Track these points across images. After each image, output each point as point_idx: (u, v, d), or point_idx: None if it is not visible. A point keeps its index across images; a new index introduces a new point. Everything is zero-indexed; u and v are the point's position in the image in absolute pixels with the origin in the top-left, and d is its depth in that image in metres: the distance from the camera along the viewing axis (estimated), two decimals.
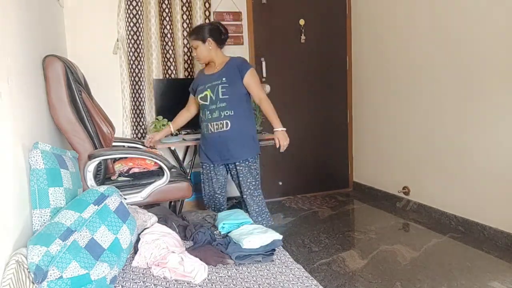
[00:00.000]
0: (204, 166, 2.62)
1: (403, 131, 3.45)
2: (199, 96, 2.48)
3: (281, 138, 2.43)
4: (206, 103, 2.45)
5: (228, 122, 2.41)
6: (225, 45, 2.59)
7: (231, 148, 2.44)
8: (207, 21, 3.40)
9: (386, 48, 3.55)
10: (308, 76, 3.91)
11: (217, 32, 2.46)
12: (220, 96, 2.40)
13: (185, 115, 2.72)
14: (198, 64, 3.43)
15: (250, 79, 2.45)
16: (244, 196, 2.54)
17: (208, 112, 2.45)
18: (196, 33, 2.46)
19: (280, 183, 3.91)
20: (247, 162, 2.49)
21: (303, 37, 3.81)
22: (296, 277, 1.47)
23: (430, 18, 3.06)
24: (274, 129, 2.46)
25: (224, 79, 2.43)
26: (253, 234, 1.69)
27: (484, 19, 2.64)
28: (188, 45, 3.37)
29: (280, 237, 1.73)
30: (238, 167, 2.49)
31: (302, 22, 3.80)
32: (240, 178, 2.51)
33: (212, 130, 2.44)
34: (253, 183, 2.54)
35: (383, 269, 2.37)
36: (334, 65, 3.99)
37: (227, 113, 2.41)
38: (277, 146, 2.45)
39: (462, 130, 2.87)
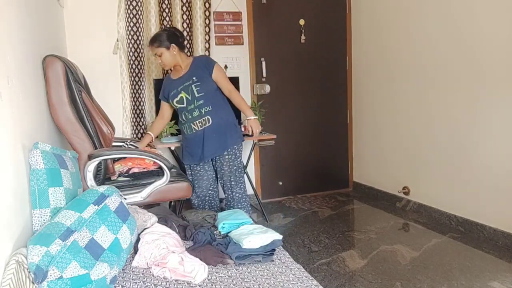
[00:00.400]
0: (191, 168, 2.70)
1: (403, 131, 3.45)
2: (175, 100, 2.57)
3: (254, 125, 2.64)
4: (183, 105, 2.55)
5: (209, 117, 2.53)
6: (225, 45, 2.63)
7: (215, 142, 2.55)
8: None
9: (386, 48, 3.55)
10: (308, 76, 3.90)
11: (176, 37, 2.57)
12: (196, 95, 2.51)
13: (160, 123, 2.81)
14: None
15: (218, 74, 2.58)
16: (233, 183, 2.65)
17: (188, 113, 2.55)
18: (158, 40, 2.52)
19: (280, 183, 3.91)
20: (234, 150, 2.61)
21: (303, 37, 3.81)
22: (296, 277, 1.47)
23: (430, 18, 3.06)
24: (247, 118, 2.66)
25: (194, 78, 2.53)
26: (253, 234, 1.69)
27: (485, 19, 2.64)
28: (188, 45, 3.37)
29: (280, 237, 1.73)
30: (226, 156, 2.60)
31: (302, 22, 3.80)
32: (228, 166, 2.62)
33: (197, 128, 2.55)
34: (240, 167, 2.67)
35: (383, 269, 2.37)
36: (334, 65, 3.99)
37: (206, 109, 2.53)
38: (250, 133, 2.68)
39: (462, 130, 2.87)
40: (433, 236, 2.83)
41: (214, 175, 2.72)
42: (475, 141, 2.78)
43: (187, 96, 2.53)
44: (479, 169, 2.77)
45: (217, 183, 2.78)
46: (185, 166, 2.74)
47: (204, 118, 2.53)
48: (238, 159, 2.66)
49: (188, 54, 3.39)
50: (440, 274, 2.28)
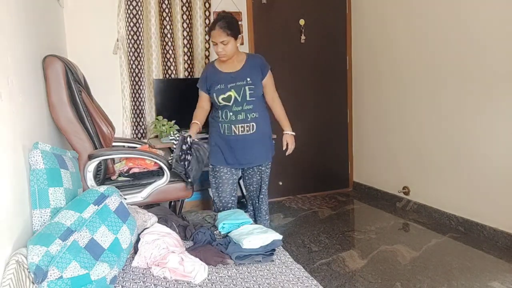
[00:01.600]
0: (216, 169, 2.42)
1: (403, 131, 3.45)
2: (221, 97, 2.30)
3: (290, 141, 2.44)
4: (229, 104, 2.30)
5: (254, 124, 2.33)
6: None
7: (255, 151, 2.38)
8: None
9: (386, 48, 3.55)
10: (308, 76, 3.90)
11: (238, 26, 2.35)
12: (248, 98, 2.30)
13: (202, 112, 2.46)
14: (199, 64, 3.43)
15: (269, 79, 2.42)
16: (261, 197, 2.51)
17: (232, 114, 2.32)
18: (230, 28, 2.24)
19: (280, 183, 3.91)
20: (268, 165, 2.48)
21: (303, 37, 3.81)
22: (296, 277, 1.47)
23: (430, 18, 3.06)
24: (285, 132, 2.46)
25: (249, 79, 2.31)
26: (253, 234, 1.69)
27: (484, 19, 2.64)
28: (188, 45, 3.37)
29: (280, 237, 1.73)
30: (262, 168, 2.45)
31: (302, 22, 3.80)
32: (261, 178, 2.47)
33: (237, 132, 2.33)
34: (267, 183, 2.53)
35: (383, 269, 2.37)
36: (334, 65, 3.99)
37: (253, 115, 2.33)
38: (284, 148, 2.45)
39: (462, 130, 2.87)
40: (433, 236, 2.83)
41: (236, 180, 2.50)
42: (475, 141, 2.78)
43: (237, 96, 2.28)
44: (479, 169, 2.77)
45: (236, 192, 2.55)
46: (210, 166, 2.47)
47: (249, 124, 2.32)
48: (269, 173, 2.52)
49: (188, 54, 3.39)
50: (440, 274, 2.28)
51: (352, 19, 3.96)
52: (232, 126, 2.33)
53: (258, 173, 2.47)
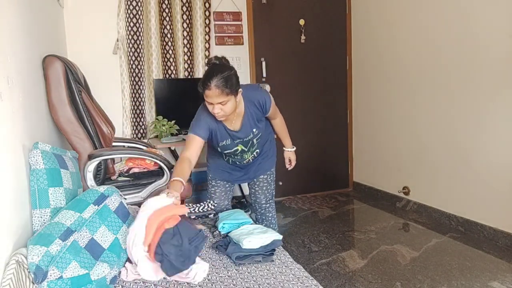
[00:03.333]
0: (217, 182, 2.29)
1: (403, 131, 3.45)
2: (226, 151, 2.09)
3: (293, 158, 2.38)
4: (236, 153, 2.13)
5: (258, 151, 2.19)
6: (225, 45, 2.48)
7: (260, 167, 2.28)
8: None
9: (386, 48, 3.55)
10: (308, 76, 3.90)
11: (237, 77, 1.90)
12: (255, 144, 2.12)
13: (188, 167, 1.87)
14: (199, 64, 3.43)
15: (272, 109, 2.10)
16: (267, 205, 2.37)
17: (234, 156, 2.16)
18: (230, 85, 1.79)
19: (280, 183, 3.91)
20: (269, 173, 2.33)
21: (303, 37, 3.81)
22: (296, 277, 1.47)
23: (430, 18, 3.06)
24: (286, 149, 2.36)
25: (255, 130, 2.04)
26: (253, 234, 1.69)
27: (483, 19, 2.64)
28: (188, 45, 3.37)
29: (280, 237, 1.72)
30: (263, 177, 2.30)
31: (302, 22, 3.80)
32: (264, 188, 2.33)
33: (240, 164, 2.22)
34: (272, 192, 2.39)
35: (383, 269, 2.37)
36: (334, 65, 3.99)
37: (257, 151, 2.19)
38: (287, 165, 2.38)
39: (462, 130, 2.87)
40: (433, 236, 2.83)
41: (232, 188, 2.38)
42: (475, 141, 2.78)
43: (244, 148, 2.09)
44: (479, 169, 2.77)
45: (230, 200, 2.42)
46: (209, 176, 2.32)
47: (254, 154, 2.18)
48: (273, 179, 2.37)
49: (188, 54, 3.39)
50: (440, 274, 2.28)
51: (352, 19, 3.96)
52: (236, 161, 2.20)
53: (261, 182, 2.32)
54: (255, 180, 2.32)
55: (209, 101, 1.82)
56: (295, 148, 2.40)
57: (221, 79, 1.77)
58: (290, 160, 2.38)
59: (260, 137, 2.12)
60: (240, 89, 1.88)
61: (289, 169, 2.39)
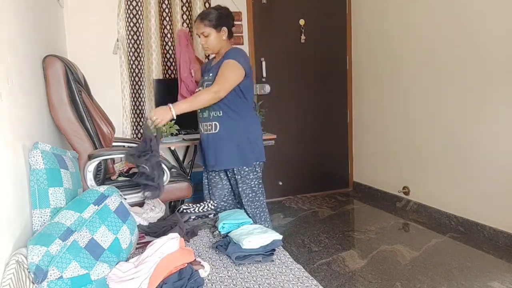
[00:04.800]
0: (206, 171, 2.34)
1: (403, 131, 3.45)
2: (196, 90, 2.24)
3: (157, 114, 2.02)
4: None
5: (217, 123, 2.12)
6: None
7: (218, 154, 2.15)
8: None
9: (386, 48, 3.55)
10: (308, 76, 3.91)
11: (231, 20, 2.18)
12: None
13: None
14: None
15: (222, 68, 2.06)
16: (245, 207, 2.25)
17: (199, 111, 2.20)
18: (210, 18, 2.10)
19: (280, 183, 3.91)
20: (242, 172, 2.18)
21: (303, 37, 3.81)
22: (296, 277, 1.47)
23: (430, 17, 3.06)
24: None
25: (211, 74, 2.13)
26: (253, 234, 1.69)
27: (482, 17, 2.64)
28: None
29: (280, 237, 1.72)
30: (236, 176, 2.19)
31: (302, 22, 3.80)
32: (239, 187, 2.20)
33: (202, 131, 2.22)
34: (251, 194, 2.22)
35: (383, 269, 2.37)
36: (334, 65, 4.00)
37: (215, 113, 2.12)
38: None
39: (462, 130, 2.87)
40: (433, 236, 2.83)
41: (227, 190, 2.31)
42: (476, 141, 2.78)
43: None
44: (479, 169, 2.77)
45: (232, 197, 2.35)
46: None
47: (211, 123, 2.14)
48: (251, 183, 2.20)
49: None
50: (440, 274, 2.28)
51: (352, 19, 3.96)
52: (201, 124, 2.21)
53: (233, 178, 2.21)
54: (233, 177, 2.21)
55: (196, 32, 2.20)
56: (170, 108, 1.98)
57: (204, 13, 2.15)
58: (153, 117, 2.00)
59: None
60: (225, 28, 2.13)
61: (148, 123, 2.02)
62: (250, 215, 2.23)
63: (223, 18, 2.14)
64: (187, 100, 2.06)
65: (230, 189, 2.32)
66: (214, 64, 2.20)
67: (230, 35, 2.20)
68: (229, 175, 2.25)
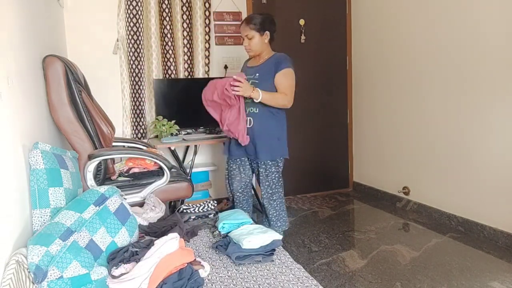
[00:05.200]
0: (228, 163, 2.62)
1: (403, 131, 3.45)
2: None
3: (243, 88, 2.24)
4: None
5: (251, 119, 2.40)
6: (226, 45, 2.56)
7: (254, 146, 2.42)
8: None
9: (386, 48, 3.55)
10: (308, 76, 3.90)
11: (273, 26, 2.42)
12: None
13: None
14: (199, 65, 3.43)
15: (282, 78, 2.37)
16: (262, 200, 2.54)
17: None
18: (255, 22, 2.36)
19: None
20: (265, 166, 2.46)
21: (303, 37, 3.81)
22: (296, 277, 1.47)
23: (430, 18, 3.06)
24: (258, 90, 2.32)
25: (257, 74, 2.40)
26: (253, 234, 1.69)
27: (483, 19, 2.64)
28: (188, 45, 3.37)
29: (280, 237, 1.73)
30: (259, 168, 2.47)
31: (302, 22, 3.80)
32: (262, 178, 2.49)
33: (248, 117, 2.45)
34: (272, 187, 2.49)
35: (383, 269, 2.37)
36: (334, 65, 3.99)
37: (251, 110, 2.40)
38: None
39: (462, 130, 2.87)
40: (433, 236, 2.83)
41: (248, 180, 2.61)
42: (475, 141, 2.78)
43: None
44: (479, 169, 2.77)
45: (251, 188, 2.67)
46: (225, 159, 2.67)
47: (248, 118, 2.41)
48: (271, 176, 2.48)
49: (188, 54, 3.39)
50: (440, 274, 2.28)
51: (352, 19, 3.96)
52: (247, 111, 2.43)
53: (257, 170, 2.50)
54: (259, 164, 2.46)
55: (241, 34, 2.42)
56: (259, 93, 2.29)
57: (249, 17, 2.40)
58: (236, 82, 2.23)
59: (255, 86, 2.32)
60: (268, 32, 2.37)
61: (229, 85, 2.24)
62: (268, 207, 2.50)
63: (266, 23, 2.38)
64: (269, 93, 2.33)
65: (247, 182, 2.60)
66: (260, 65, 2.44)
67: (272, 39, 2.45)
68: (253, 165, 2.54)
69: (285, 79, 2.38)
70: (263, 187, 2.50)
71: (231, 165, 2.60)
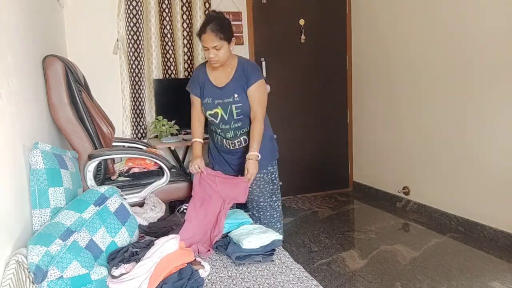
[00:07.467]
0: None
1: (403, 131, 3.45)
2: (208, 113, 2.15)
3: (251, 168, 2.08)
4: (216, 121, 2.15)
5: (246, 137, 2.19)
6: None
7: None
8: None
9: (386, 48, 3.55)
10: (308, 76, 3.90)
11: (231, 27, 2.07)
12: (235, 117, 2.11)
13: (200, 126, 2.26)
14: (199, 64, 3.43)
15: (255, 92, 2.09)
16: (264, 204, 2.33)
17: (220, 131, 2.20)
18: (223, 31, 1.98)
19: (280, 183, 3.90)
20: (265, 171, 2.27)
21: (303, 37, 3.81)
22: (296, 277, 1.47)
23: (430, 18, 3.06)
24: (248, 156, 2.09)
25: (236, 96, 2.08)
26: (253, 234, 1.69)
27: (483, 18, 2.64)
28: (188, 45, 3.37)
29: (280, 237, 1.73)
30: (259, 175, 2.22)
31: (302, 22, 3.80)
32: (261, 187, 2.28)
33: (229, 148, 2.24)
34: (273, 189, 2.37)
35: (383, 269, 2.37)
36: (334, 65, 3.99)
37: (243, 131, 2.18)
38: (245, 177, 2.11)
39: (462, 130, 2.87)
40: (433, 236, 2.83)
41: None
42: (475, 141, 2.78)
43: (224, 115, 2.11)
44: (479, 169, 2.77)
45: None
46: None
47: (239, 139, 2.19)
48: (273, 177, 2.35)
49: (188, 54, 3.39)
50: (440, 274, 2.28)
51: (352, 19, 3.96)
52: (224, 140, 2.23)
53: (255, 182, 2.25)
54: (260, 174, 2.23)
55: (205, 45, 2.00)
56: (259, 157, 2.10)
57: (216, 24, 1.97)
58: (247, 171, 2.07)
59: (241, 111, 2.10)
60: (234, 38, 2.05)
61: (243, 181, 2.11)
62: (268, 209, 2.36)
63: (231, 28, 2.05)
64: (256, 141, 2.10)
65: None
66: (230, 82, 2.10)
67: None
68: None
69: (259, 94, 2.11)
70: (266, 192, 2.32)
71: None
